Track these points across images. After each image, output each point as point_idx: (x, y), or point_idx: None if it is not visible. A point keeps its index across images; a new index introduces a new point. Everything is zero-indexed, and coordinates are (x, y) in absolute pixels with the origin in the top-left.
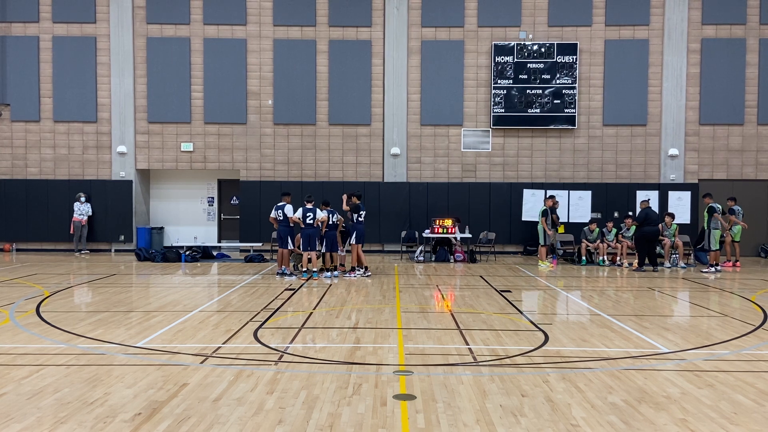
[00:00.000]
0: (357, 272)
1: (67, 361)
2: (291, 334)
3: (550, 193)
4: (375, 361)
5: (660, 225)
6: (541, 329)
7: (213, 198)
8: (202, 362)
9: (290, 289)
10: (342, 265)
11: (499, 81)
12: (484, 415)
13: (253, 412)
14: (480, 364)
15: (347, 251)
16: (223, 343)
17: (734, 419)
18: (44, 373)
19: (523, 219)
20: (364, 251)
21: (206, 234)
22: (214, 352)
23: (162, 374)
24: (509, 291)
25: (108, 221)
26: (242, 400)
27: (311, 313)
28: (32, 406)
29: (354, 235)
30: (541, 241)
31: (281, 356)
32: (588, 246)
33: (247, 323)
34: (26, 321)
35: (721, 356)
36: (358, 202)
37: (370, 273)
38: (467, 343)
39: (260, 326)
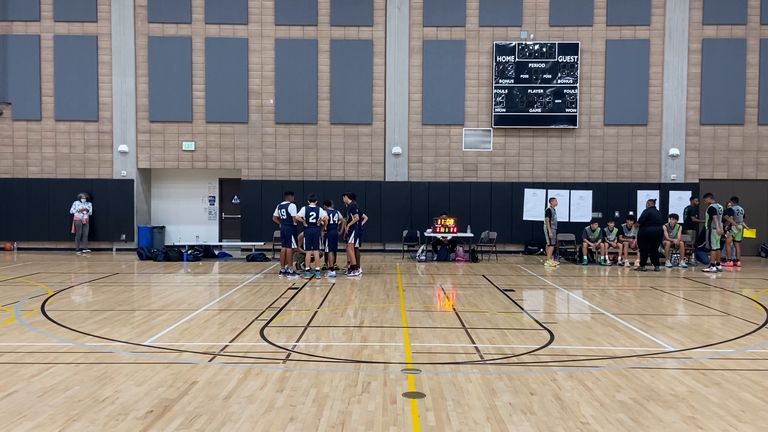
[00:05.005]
0: (358, 271)
1: (75, 359)
2: (297, 332)
3: (551, 194)
4: (382, 359)
5: (664, 226)
6: (546, 328)
7: (214, 197)
8: (210, 360)
9: (294, 288)
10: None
11: (500, 80)
12: (494, 413)
13: (264, 410)
14: (487, 362)
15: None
16: (230, 342)
17: (742, 417)
18: (53, 372)
19: (524, 218)
20: (362, 250)
21: (207, 233)
22: (221, 350)
23: (171, 372)
24: (512, 290)
25: (109, 220)
26: (252, 398)
27: (316, 311)
28: (43, 404)
29: (352, 235)
30: (547, 241)
31: (289, 354)
32: (589, 245)
33: (252, 322)
34: (32, 319)
35: (727, 355)
36: (350, 201)
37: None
38: (473, 342)
39: (266, 325)
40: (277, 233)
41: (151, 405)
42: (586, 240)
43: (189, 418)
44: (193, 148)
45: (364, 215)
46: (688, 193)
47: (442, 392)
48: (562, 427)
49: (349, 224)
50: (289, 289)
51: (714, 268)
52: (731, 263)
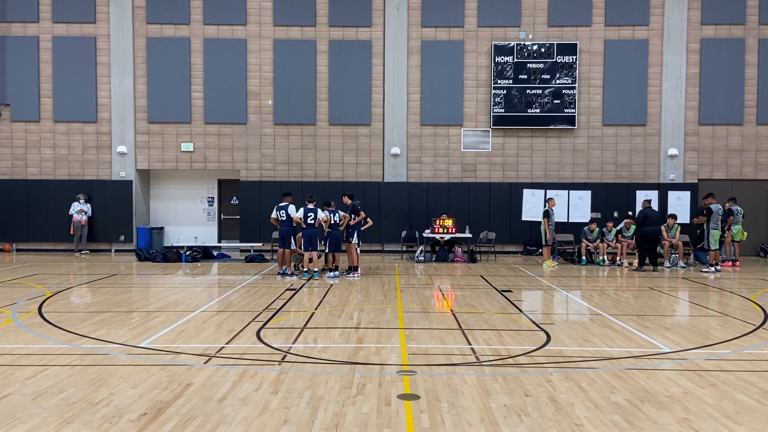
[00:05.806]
0: (357, 272)
1: (71, 361)
2: (293, 334)
3: (549, 194)
4: (378, 361)
5: (662, 226)
6: (542, 329)
7: (213, 198)
8: (205, 362)
9: (291, 289)
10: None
11: (498, 81)
12: (489, 414)
13: (258, 412)
14: (483, 364)
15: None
16: (227, 344)
17: (737, 418)
18: (48, 374)
19: (523, 219)
20: (361, 251)
21: (206, 234)
22: (217, 352)
23: (166, 374)
24: (510, 291)
25: (108, 221)
26: (247, 400)
27: (313, 313)
28: (38, 407)
29: (354, 235)
30: (544, 241)
31: (284, 356)
32: (588, 246)
33: (249, 323)
34: (29, 321)
35: (723, 356)
36: (349, 202)
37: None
38: (470, 343)
39: (263, 326)
40: (275, 234)
41: (146, 407)
42: (584, 240)
43: (183, 421)
44: (191, 149)
45: (368, 219)
46: (687, 194)
47: (437, 394)
48: (556, 429)
49: (353, 222)
50: (286, 290)
51: (713, 269)
52: (730, 263)
